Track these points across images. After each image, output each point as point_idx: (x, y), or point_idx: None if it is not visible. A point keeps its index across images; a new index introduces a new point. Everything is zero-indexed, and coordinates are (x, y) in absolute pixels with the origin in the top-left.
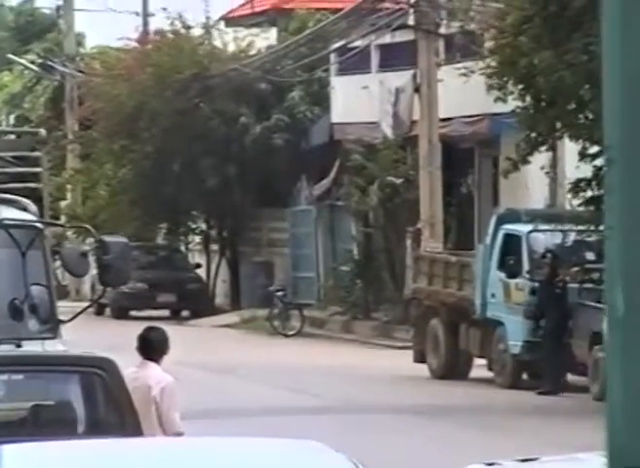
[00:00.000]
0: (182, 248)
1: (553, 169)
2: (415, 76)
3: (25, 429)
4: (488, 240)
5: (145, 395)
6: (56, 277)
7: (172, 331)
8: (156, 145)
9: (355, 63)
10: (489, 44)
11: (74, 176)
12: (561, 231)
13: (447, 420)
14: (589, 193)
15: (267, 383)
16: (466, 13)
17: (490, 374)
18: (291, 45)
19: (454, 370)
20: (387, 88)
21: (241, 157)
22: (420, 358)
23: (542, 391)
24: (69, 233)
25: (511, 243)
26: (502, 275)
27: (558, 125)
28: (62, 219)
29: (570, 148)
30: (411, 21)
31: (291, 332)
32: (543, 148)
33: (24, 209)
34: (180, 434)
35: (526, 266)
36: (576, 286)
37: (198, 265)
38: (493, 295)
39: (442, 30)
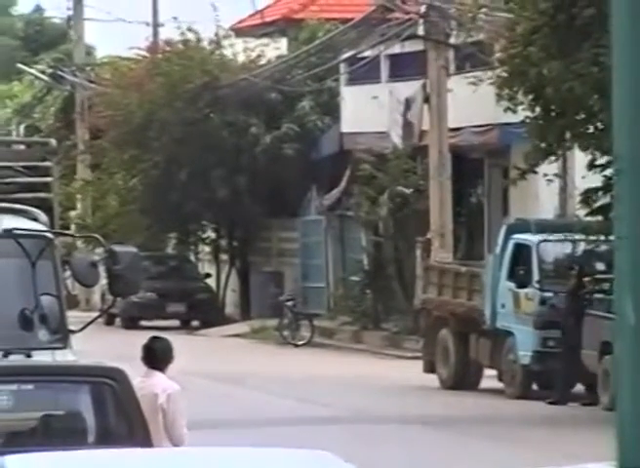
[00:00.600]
0: (192, 257)
1: (563, 179)
2: (424, 86)
3: (35, 439)
4: (498, 250)
5: (152, 403)
6: (66, 287)
7: (182, 340)
8: (166, 155)
9: (365, 73)
10: (498, 54)
11: (84, 186)
12: (571, 241)
13: (457, 431)
14: (599, 202)
15: (277, 393)
16: (474, 21)
17: (500, 385)
18: (301, 55)
19: (463, 380)
20: (397, 98)
21: (251, 167)
22: (430, 368)
23: (552, 401)
24: (79, 243)
25: (521, 253)
26: (512, 285)
27: (567, 135)
28: (72, 229)
29: (580, 158)
30: (420, 32)
31: (300, 342)
32: (553, 158)
33: (35, 219)
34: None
35: (536, 276)
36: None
37: (208, 275)
38: (502, 306)
39: (452, 40)
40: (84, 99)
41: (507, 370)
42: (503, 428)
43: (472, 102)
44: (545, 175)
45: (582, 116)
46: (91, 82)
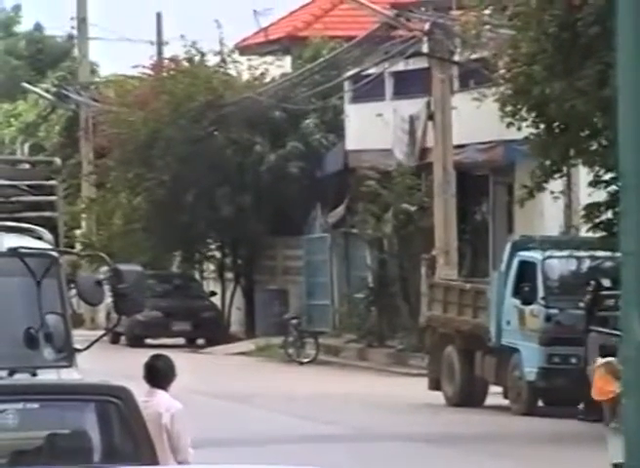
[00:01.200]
0: (197, 276)
1: (568, 196)
2: (429, 103)
3: (41, 458)
4: (503, 267)
5: (157, 422)
6: (71, 305)
7: (187, 358)
8: (171, 174)
9: (369, 91)
10: (502, 71)
11: (89, 205)
12: (577, 258)
13: (462, 448)
14: (602, 217)
15: (282, 411)
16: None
17: (505, 402)
18: (305, 73)
19: (469, 397)
20: (401, 115)
21: (256, 185)
22: (436, 385)
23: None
24: (83, 262)
25: (526, 270)
26: (517, 302)
27: (571, 152)
28: (77, 248)
29: (584, 175)
30: (425, 49)
31: (305, 360)
32: (557, 175)
33: (40, 237)
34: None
35: (541, 293)
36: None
37: (213, 293)
38: (508, 323)
39: (456, 58)
40: (88, 118)
41: (513, 387)
42: (509, 445)
43: (476, 119)
44: (552, 192)
45: (586, 133)
46: (95, 100)
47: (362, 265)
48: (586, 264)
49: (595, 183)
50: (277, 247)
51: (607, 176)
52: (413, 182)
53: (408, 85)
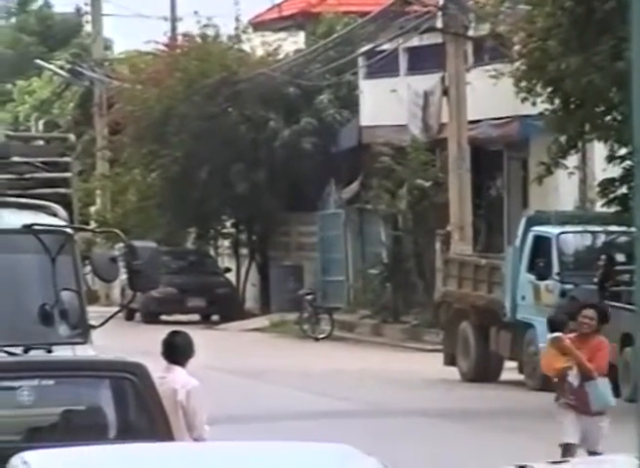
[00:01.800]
0: (212, 252)
1: (583, 171)
2: (443, 79)
3: (56, 434)
4: (517, 242)
5: (172, 399)
6: (86, 282)
7: (201, 335)
8: (185, 150)
9: (383, 67)
10: (517, 47)
11: (103, 181)
12: (591, 233)
13: (477, 424)
14: (618, 192)
15: (297, 387)
16: (496, 16)
17: (520, 377)
18: (319, 49)
19: (484, 372)
20: (416, 91)
21: (270, 161)
22: (451, 361)
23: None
24: (98, 238)
25: (541, 245)
26: (532, 277)
27: (587, 127)
28: (92, 225)
29: (600, 150)
30: (439, 24)
31: (320, 336)
32: (573, 151)
33: (54, 214)
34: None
35: (556, 268)
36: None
37: (228, 269)
38: (523, 298)
39: (470, 33)
40: (102, 95)
41: (528, 363)
42: (524, 420)
43: (491, 95)
44: (566, 167)
45: (602, 108)
46: (109, 77)
47: (376, 241)
48: (601, 239)
49: (610, 158)
50: (291, 223)
51: (622, 152)
52: (427, 158)
53: (422, 60)
